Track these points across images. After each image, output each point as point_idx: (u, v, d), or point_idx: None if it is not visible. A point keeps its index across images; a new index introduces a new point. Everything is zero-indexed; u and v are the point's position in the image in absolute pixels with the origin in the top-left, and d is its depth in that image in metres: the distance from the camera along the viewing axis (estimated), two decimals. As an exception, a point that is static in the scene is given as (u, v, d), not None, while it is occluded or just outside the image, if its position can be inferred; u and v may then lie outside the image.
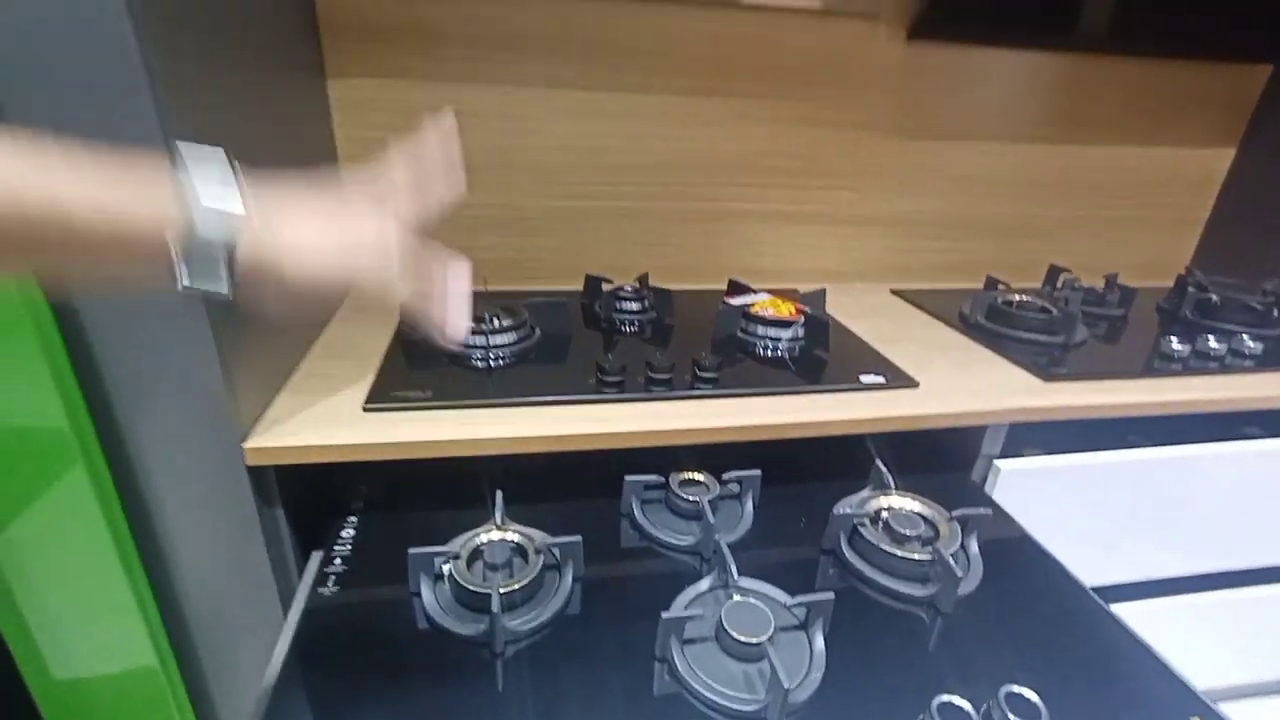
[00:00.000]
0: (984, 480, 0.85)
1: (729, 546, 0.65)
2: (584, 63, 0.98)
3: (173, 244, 0.34)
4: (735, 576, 0.60)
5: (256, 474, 0.63)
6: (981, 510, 0.68)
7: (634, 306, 0.97)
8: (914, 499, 0.72)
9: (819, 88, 1.06)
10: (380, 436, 0.64)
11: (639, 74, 1.00)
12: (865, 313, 1.06)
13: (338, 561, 0.64)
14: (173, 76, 0.51)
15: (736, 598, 0.58)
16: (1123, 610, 0.62)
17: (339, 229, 0.39)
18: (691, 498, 0.70)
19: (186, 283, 0.35)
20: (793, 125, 1.08)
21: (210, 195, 0.35)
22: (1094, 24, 1.05)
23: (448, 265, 0.45)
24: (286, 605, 0.69)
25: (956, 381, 0.84)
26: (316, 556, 0.68)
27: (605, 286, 1.01)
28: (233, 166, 0.37)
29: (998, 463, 0.83)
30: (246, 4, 0.69)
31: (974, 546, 0.68)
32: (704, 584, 0.62)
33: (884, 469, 0.75)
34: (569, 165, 1.04)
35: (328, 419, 0.66)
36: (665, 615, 0.53)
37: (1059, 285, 1.18)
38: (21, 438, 0.56)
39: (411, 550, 0.58)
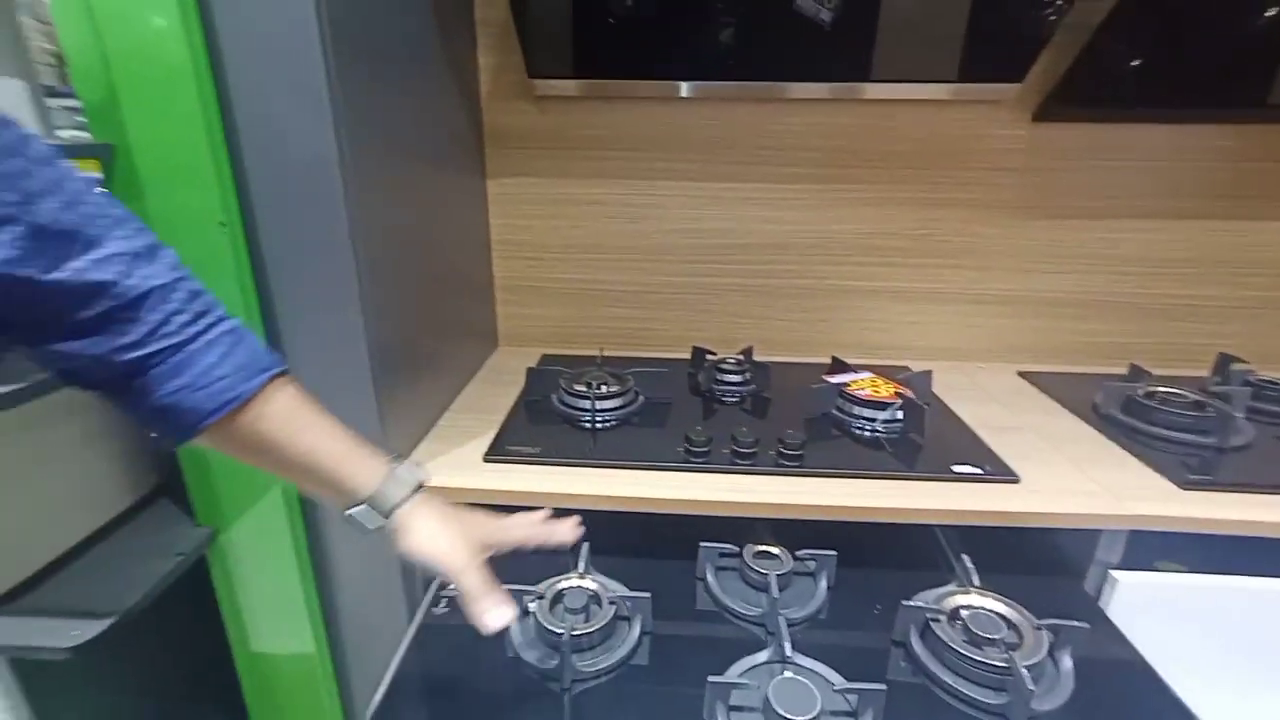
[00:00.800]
0: (1098, 592, 0.78)
1: (796, 622, 0.68)
2: (701, 158, 1.09)
3: (360, 494, 0.53)
4: (789, 651, 0.63)
5: (397, 506, 0.77)
6: (1076, 623, 0.64)
7: (734, 378, 1.03)
8: (999, 600, 0.69)
9: (935, 169, 1.07)
10: (493, 484, 0.76)
11: (752, 164, 1.09)
12: (981, 396, 1.03)
13: (451, 586, 0.75)
14: (366, 183, 0.68)
15: (788, 673, 0.61)
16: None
17: (450, 530, 0.55)
18: (762, 570, 0.73)
19: (354, 515, 0.53)
20: (907, 206, 1.10)
21: (392, 486, 0.54)
22: (1256, 91, 0.96)
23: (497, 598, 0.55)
24: (410, 616, 0.82)
25: (1070, 479, 0.79)
26: (436, 581, 0.80)
27: (710, 358, 1.08)
28: (418, 479, 0.56)
29: (1115, 574, 0.76)
30: (437, 125, 0.88)
31: (1066, 661, 0.64)
32: (761, 655, 0.65)
33: (968, 565, 0.73)
34: (685, 246, 1.14)
35: (455, 465, 0.80)
36: (712, 679, 0.58)
37: (1227, 376, 1.05)
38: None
39: (506, 586, 0.68)
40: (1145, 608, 0.75)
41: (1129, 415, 0.93)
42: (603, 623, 0.66)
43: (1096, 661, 0.65)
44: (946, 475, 0.79)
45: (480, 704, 0.62)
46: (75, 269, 0.37)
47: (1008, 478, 0.79)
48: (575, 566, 0.74)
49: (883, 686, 0.57)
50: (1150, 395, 0.95)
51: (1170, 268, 1.12)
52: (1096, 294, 1.14)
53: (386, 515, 0.53)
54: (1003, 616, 0.68)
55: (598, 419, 0.92)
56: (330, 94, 0.63)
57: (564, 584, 0.72)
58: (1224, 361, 1.08)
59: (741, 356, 1.07)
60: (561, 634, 0.63)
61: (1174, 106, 1.00)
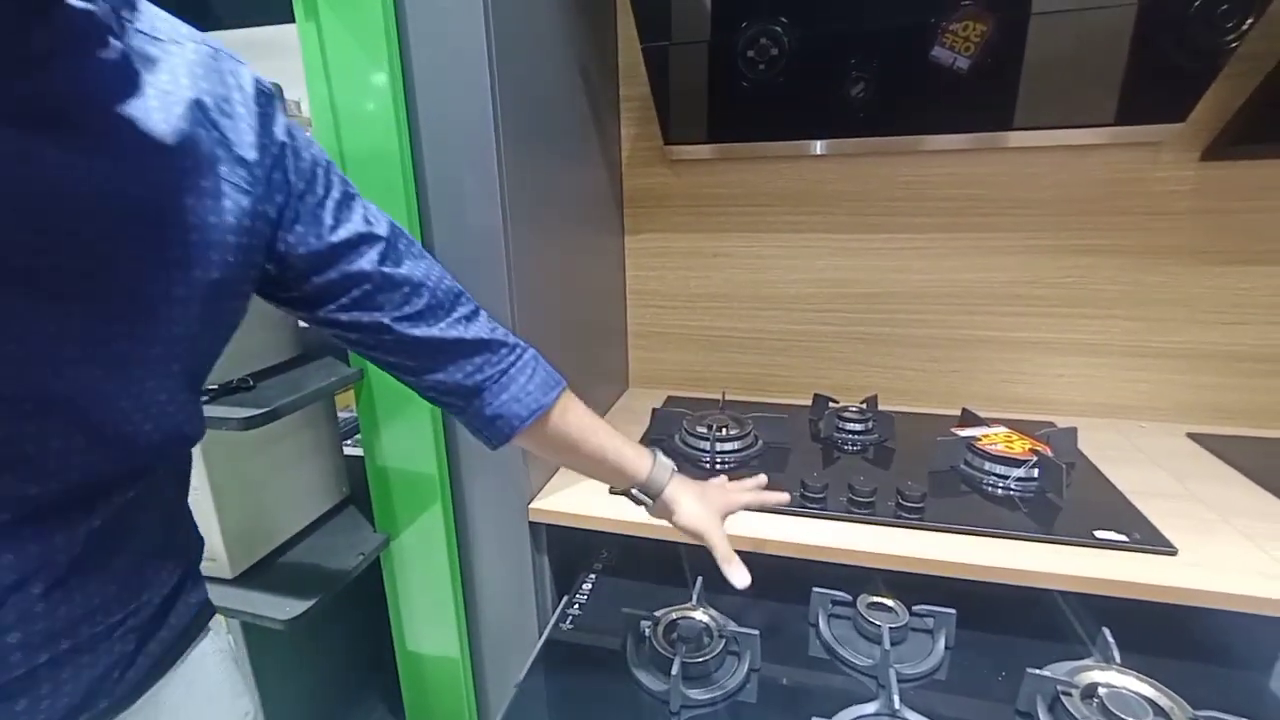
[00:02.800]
0: (1285, 688, 0.68)
1: (909, 679, 0.67)
2: (829, 210, 1.12)
3: (638, 480, 0.65)
4: (898, 705, 0.63)
5: (534, 528, 0.87)
6: (1241, 718, 0.58)
7: (857, 427, 1.03)
8: (1144, 680, 0.64)
9: (1083, 216, 1.02)
10: (618, 514, 0.84)
11: (882, 215, 1.10)
12: (1139, 458, 0.94)
13: (576, 607, 0.83)
14: (522, 245, 0.80)
15: (896, 728, 0.61)
16: None
17: (703, 504, 0.66)
18: (876, 621, 0.73)
19: (635, 493, 0.66)
20: (1050, 254, 1.05)
21: (659, 472, 0.65)
22: None
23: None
24: (541, 629, 0.91)
25: (1242, 555, 0.71)
26: (565, 599, 0.89)
27: (832, 405, 1.09)
28: (672, 465, 0.67)
29: (1303, 669, 0.67)
30: (584, 189, 1.01)
31: (1226, 760, 0.58)
32: (870, 707, 0.65)
33: (1109, 639, 0.68)
34: (809, 295, 1.17)
35: (585, 494, 0.88)
36: (815, 720, 0.59)
37: None
38: (412, 476, 0.88)
39: (625, 610, 0.75)
40: (1345, 715, 0.65)
41: (1329, 489, 0.81)
42: (713, 654, 0.70)
43: (1270, 766, 0.58)
44: (1086, 540, 0.74)
45: (595, 718, 0.68)
46: (441, 328, 0.53)
47: (1162, 549, 0.72)
48: (690, 598, 0.79)
49: (997, 753, 0.55)
50: (1360, 467, 0.82)
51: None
52: (1272, 348, 1.00)
53: (654, 496, 0.65)
54: (1149, 699, 0.62)
55: (718, 460, 0.97)
56: (499, 171, 0.75)
57: (678, 614, 0.77)
58: None
59: (864, 405, 1.07)
60: (673, 659, 0.68)
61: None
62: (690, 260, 1.21)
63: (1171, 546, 0.72)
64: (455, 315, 0.54)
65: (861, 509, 0.82)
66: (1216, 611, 0.68)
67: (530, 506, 0.86)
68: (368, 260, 0.48)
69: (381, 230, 0.50)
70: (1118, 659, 0.66)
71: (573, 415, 0.61)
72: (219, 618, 0.55)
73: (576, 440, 0.62)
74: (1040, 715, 0.63)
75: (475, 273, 0.79)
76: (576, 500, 0.87)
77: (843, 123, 1.03)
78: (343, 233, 0.47)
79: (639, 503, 0.66)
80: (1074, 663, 0.68)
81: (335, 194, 0.48)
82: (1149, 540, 0.74)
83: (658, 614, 0.77)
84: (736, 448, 0.99)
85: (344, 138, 0.76)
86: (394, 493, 0.89)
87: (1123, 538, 0.74)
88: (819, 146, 1.08)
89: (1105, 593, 0.69)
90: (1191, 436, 1.02)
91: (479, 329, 0.56)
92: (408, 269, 0.51)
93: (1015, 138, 1.00)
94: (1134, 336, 1.05)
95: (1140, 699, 0.62)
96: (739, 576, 0.61)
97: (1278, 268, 0.97)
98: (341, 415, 1.05)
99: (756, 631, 0.71)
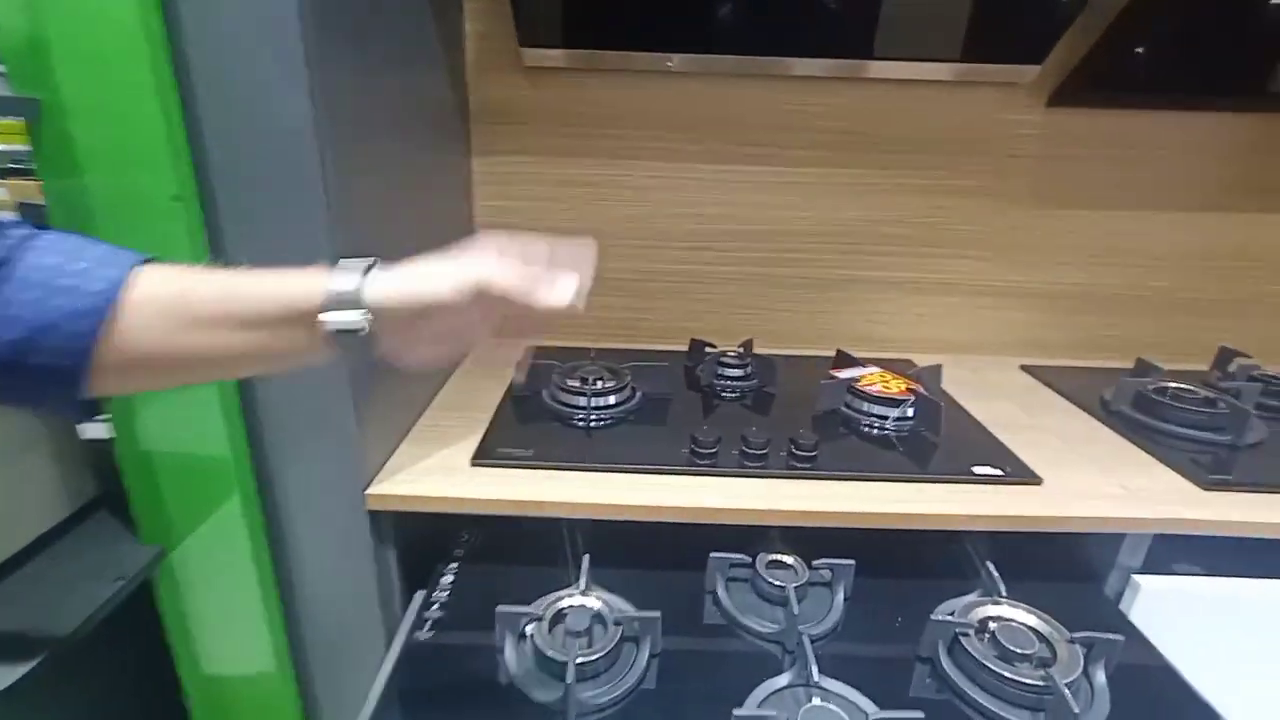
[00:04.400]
0: (1118, 596, 0.75)
1: (814, 639, 0.63)
2: (704, 138, 1.02)
3: (326, 302, 0.40)
4: (816, 676, 0.58)
5: (375, 517, 0.70)
6: (1112, 636, 0.61)
7: (736, 373, 0.98)
8: (1029, 612, 0.65)
9: (947, 156, 1.03)
10: (483, 492, 0.69)
11: (758, 146, 1.03)
12: (989, 393, 0.99)
13: (435, 606, 0.69)
14: (346, 162, 0.60)
15: (816, 701, 0.55)
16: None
17: (450, 259, 0.44)
18: (778, 582, 0.68)
19: (329, 318, 0.40)
20: (917, 194, 1.05)
21: (347, 274, 0.41)
22: (1271, 81, 0.93)
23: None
24: (390, 635, 0.75)
25: (1091, 481, 0.76)
26: (419, 596, 0.73)
27: (709, 350, 1.02)
28: (365, 261, 0.43)
29: (1138, 579, 0.73)
30: (420, 96, 0.80)
31: (1100, 677, 0.60)
32: (783, 679, 0.60)
33: (994, 574, 0.69)
34: (682, 231, 1.08)
35: (439, 472, 0.73)
36: (738, 713, 0.52)
37: (1230, 371, 1.03)
38: (195, 463, 0.66)
39: (499, 608, 0.62)
40: (1167, 612, 0.72)
41: (1141, 412, 0.91)
42: (609, 647, 0.60)
43: (1128, 673, 0.61)
44: (968, 477, 0.75)
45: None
46: None
47: (1029, 479, 0.75)
48: (575, 581, 0.68)
49: (920, 715, 0.52)
50: (1162, 391, 0.92)
51: (1172, 261, 1.09)
52: (1098, 287, 1.11)
53: (362, 304, 0.41)
54: (1033, 629, 0.64)
55: (593, 416, 0.85)
56: (306, 56, 0.54)
57: (565, 602, 0.65)
58: (1225, 355, 1.06)
59: (742, 350, 1.02)
60: (565, 662, 0.57)
61: (1191, 94, 0.97)
62: (554, 190, 1.06)
63: (1037, 477, 0.75)
64: None
65: (755, 462, 0.76)
66: (1073, 534, 0.72)
67: (368, 493, 0.68)
68: None
69: None
70: (1004, 592, 0.67)
71: (179, 283, 0.39)
72: None
73: (214, 315, 0.39)
74: (941, 658, 0.62)
75: (272, 191, 0.58)
76: (426, 479, 0.71)
77: (705, 37, 0.94)
78: None
79: (355, 339, 0.41)
80: (965, 599, 0.68)
81: None
82: (1018, 473, 0.76)
83: (539, 607, 0.65)
84: (614, 401, 0.88)
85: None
86: (166, 489, 0.66)
87: (998, 472, 0.76)
88: (679, 61, 0.97)
89: (992, 528, 0.70)
90: (1024, 369, 1.10)
91: None
92: None
93: (876, 67, 0.97)
94: (981, 276, 1.10)
95: (1027, 630, 0.63)
96: (559, 292, 0.44)
97: (1101, 213, 1.06)
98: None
99: (658, 614, 0.62)
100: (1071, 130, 1.01)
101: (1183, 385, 0.93)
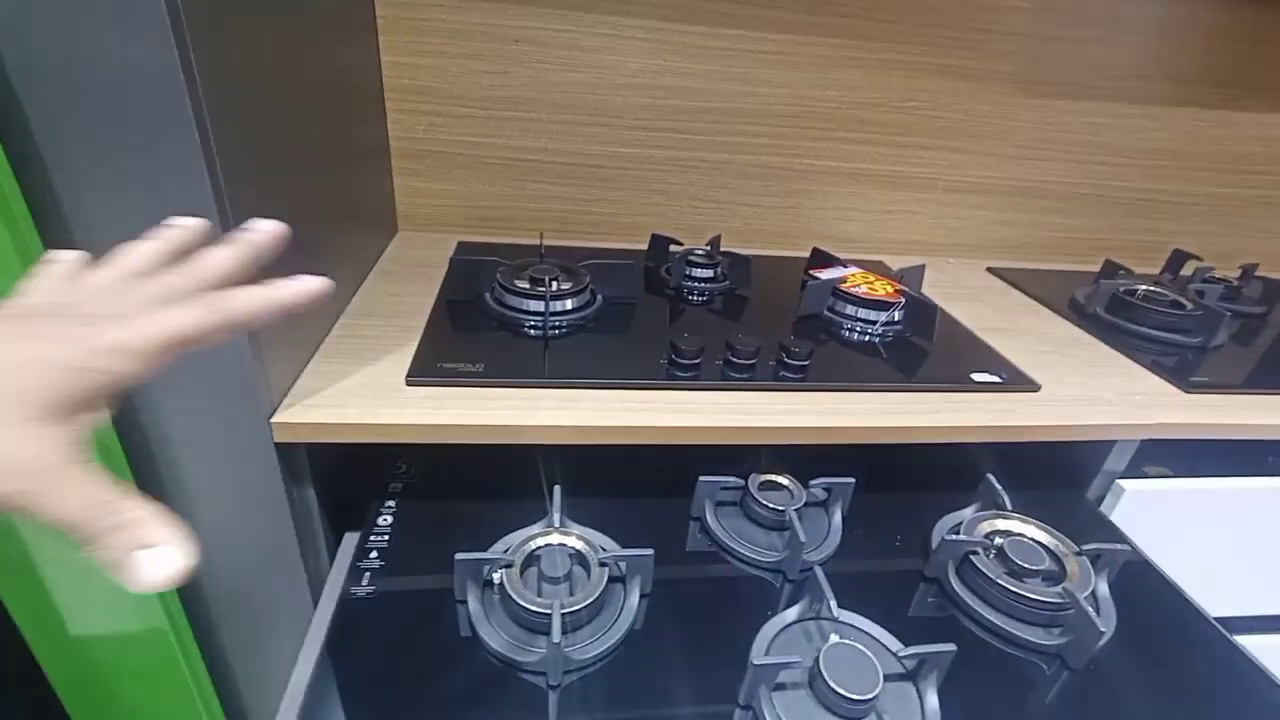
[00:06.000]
0: (1100, 500, 0.74)
1: (816, 564, 0.56)
2: (664, -14, 0.85)
3: None
4: (834, 610, 0.51)
5: (286, 451, 0.55)
6: (1118, 546, 0.58)
7: (706, 274, 0.86)
8: (1035, 525, 0.62)
9: (934, 28, 0.91)
10: (426, 417, 0.56)
11: (724, 1, 0.86)
12: (962, 295, 0.94)
13: (374, 555, 0.56)
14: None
15: (835, 638, 0.49)
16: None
17: None
18: (775, 506, 0.61)
19: None
20: (896, 72, 0.94)
21: None
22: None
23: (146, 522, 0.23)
24: (316, 588, 0.63)
25: (1081, 385, 0.72)
26: (351, 539, 0.61)
27: (674, 249, 0.90)
28: None
29: (1122, 483, 0.72)
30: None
31: (1104, 588, 0.58)
32: (791, 614, 0.53)
33: (998, 487, 0.64)
34: (638, 106, 0.91)
35: (366, 392, 0.58)
36: (756, 662, 0.45)
37: (1182, 274, 1.04)
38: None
39: (458, 556, 0.50)
40: (1147, 515, 0.72)
41: (1114, 314, 0.89)
42: (596, 593, 0.51)
43: (1125, 582, 0.60)
44: (968, 385, 0.69)
45: (434, 709, 0.45)
46: None
47: (1028, 386, 0.70)
48: (545, 514, 0.58)
49: (951, 647, 0.47)
50: (1131, 293, 0.90)
51: (1139, 158, 1.06)
52: (1065, 185, 1.07)
53: None
54: (1040, 543, 0.60)
55: (551, 325, 0.72)
56: None
57: (538, 541, 0.55)
58: (1177, 258, 1.06)
59: (710, 248, 0.90)
60: (548, 614, 0.47)
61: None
62: (480, 45, 0.85)
63: (1035, 383, 0.71)
64: None
65: (741, 373, 0.67)
66: (1068, 442, 0.68)
67: (274, 422, 0.53)
68: None
69: None
70: (1008, 505, 0.63)
71: None
72: None
73: None
74: (951, 580, 0.58)
75: (93, 52, 0.38)
76: (353, 402, 0.57)
77: None
78: None
79: None
80: (964, 513, 0.64)
81: None
82: (1015, 379, 0.71)
83: (505, 549, 0.54)
84: (573, 306, 0.75)
85: None
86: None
87: (995, 379, 0.70)
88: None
89: (999, 439, 0.65)
90: (991, 271, 1.06)
91: None
92: None
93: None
94: (958, 170, 1.02)
95: (1035, 544, 0.60)
96: (148, 565, 0.22)
97: (1089, 104, 0.99)
98: None
99: (650, 552, 0.53)
100: (1065, 7, 0.92)
101: (1152, 288, 0.92)
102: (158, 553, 0.22)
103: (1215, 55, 0.99)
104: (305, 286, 0.29)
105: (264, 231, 0.32)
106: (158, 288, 0.27)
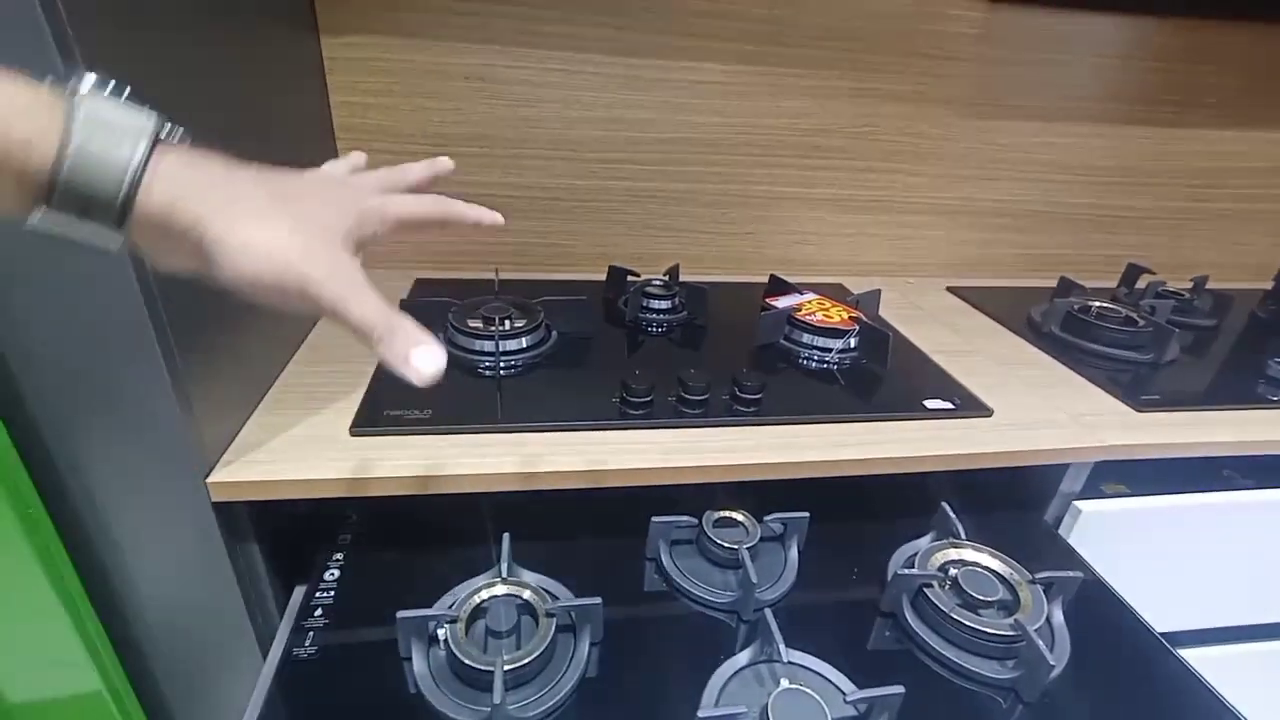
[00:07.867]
0: (1058, 521, 0.74)
1: (772, 605, 0.56)
2: (612, 23, 0.85)
3: (41, 169, 0.26)
4: (783, 653, 0.51)
5: (225, 509, 0.54)
6: (1071, 574, 0.58)
7: (663, 305, 0.86)
8: (988, 554, 0.62)
9: (882, 54, 0.93)
10: (368, 470, 0.55)
11: (675, 36, 0.87)
12: (920, 316, 0.95)
13: (319, 612, 0.55)
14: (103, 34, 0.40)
15: (785, 683, 0.48)
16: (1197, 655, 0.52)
17: (291, 214, 0.32)
18: (728, 544, 0.60)
19: (37, 221, 0.27)
20: (847, 99, 0.95)
21: (113, 115, 0.28)
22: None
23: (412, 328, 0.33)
24: (265, 644, 0.61)
25: (1034, 408, 0.73)
26: (299, 592, 0.60)
27: (631, 280, 0.90)
28: (151, 124, 0.29)
29: (1079, 504, 0.72)
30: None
31: (1058, 616, 0.58)
32: (743, 657, 0.52)
33: (952, 515, 0.64)
34: (592, 140, 0.92)
35: (309, 444, 0.57)
36: (702, 716, 0.44)
37: (1137, 288, 1.05)
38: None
39: (401, 614, 0.49)
40: (1103, 536, 0.72)
41: (1069, 333, 0.90)
42: (542, 646, 0.50)
43: (1081, 607, 0.60)
44: (920, 413, 0.69)
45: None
46: None
47: (981, 411, 0.71)
48: (493, 564, 0.57)
49: (900, 690, 0.47)
50: (1086, 310, 0.91)
51: (1092, 175, 1.08)
52: (1021, 203, 1.08)
53: (120, 213, 0.27)
54: (994, 572, 0.60)
55: (502, 364, 0.72)
56: None
57: (484, 594, 0.54)
58: (1132, 272, 1.08)
59: (668, 278, 0.90)
60: (493, 672, 0.46)
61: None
62: (432, 84, 0.85)
63: (987, 408, 0.71)
64: None
65: (694, 409, 0.66)
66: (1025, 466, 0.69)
67: (210, 482, 0.52)
68: None
69: None
70: (963, 534, 0.63)
71: None
72: None
73: None
74: (906, 614, 0.58)
75: None
76: (292, 455, 0.56)
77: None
78: None
79: (79, 241, 0.28)
80: (920, 542, 0.64)
81: None
82: (969, 405, 0.71)
83: (451, 605, 0.53)
84: (526, 344, 0.74)
85: None
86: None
87: (949, 404, 0.71)
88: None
89: (952, 467, 0.65)
90: (951, 290, 1.07)
91: None
92: None
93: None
94: (913, 192, 1.04)
95: (989, 573, 0.60)
96: (422, 358, 0.31)
97: (1039, 124, 1.01)
98: None
99: (598, 600, 0.52)
100: (1014, 29, 0.93)
101: (1105, 305, 0.93)
102: (431, 349, 0.32)
103: (1160, 74, 1.01)
104: (494, 216, 0.44)
105: (446, 164, 0.46)
106: (396, 183, 0.42)
